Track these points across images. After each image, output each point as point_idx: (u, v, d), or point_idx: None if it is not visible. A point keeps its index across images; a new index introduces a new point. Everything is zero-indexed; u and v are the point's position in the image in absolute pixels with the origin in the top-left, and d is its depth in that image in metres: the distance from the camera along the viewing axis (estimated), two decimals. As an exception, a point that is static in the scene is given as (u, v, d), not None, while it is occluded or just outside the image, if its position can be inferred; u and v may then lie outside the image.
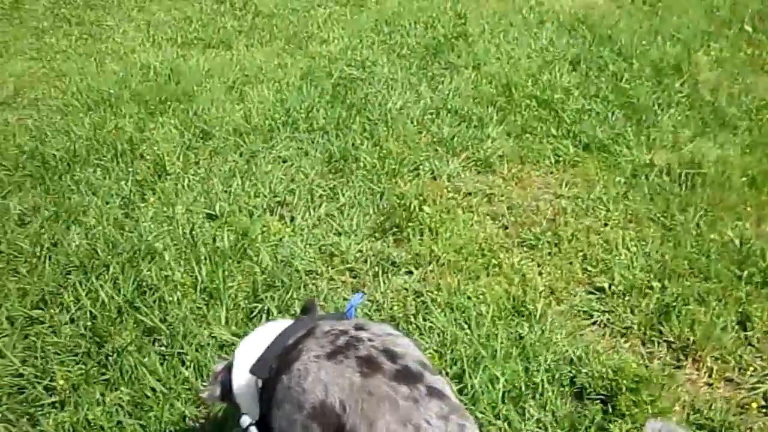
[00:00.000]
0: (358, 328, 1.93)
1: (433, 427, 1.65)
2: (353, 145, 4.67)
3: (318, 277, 3.59)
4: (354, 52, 6.28)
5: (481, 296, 3.36)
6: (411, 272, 3.58)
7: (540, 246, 3.73)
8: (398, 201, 4.06)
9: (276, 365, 1.94)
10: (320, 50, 6.49)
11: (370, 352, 1.80)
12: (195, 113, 5.25)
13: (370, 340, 1.85)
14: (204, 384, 2.64)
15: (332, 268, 3.64)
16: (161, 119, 5.20)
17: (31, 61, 6.88)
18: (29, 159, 4.77)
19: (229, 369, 2.15)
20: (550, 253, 3.68)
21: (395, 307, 3.35)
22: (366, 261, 3.68)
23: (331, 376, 1.77)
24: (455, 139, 4.70)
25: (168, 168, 4.52)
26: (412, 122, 4.97)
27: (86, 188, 4.37)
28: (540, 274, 3.53)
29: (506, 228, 3.91)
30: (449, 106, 5.15)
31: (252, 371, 2.02)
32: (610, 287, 3.41)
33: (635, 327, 3.22)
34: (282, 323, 2.16)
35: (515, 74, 5.53)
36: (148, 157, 4.70)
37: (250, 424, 2.05)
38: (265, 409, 1.98)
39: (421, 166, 4.45)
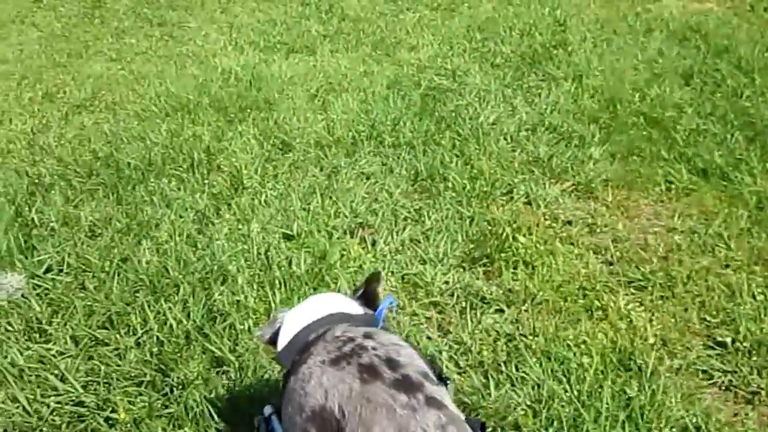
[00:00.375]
0: (367, 336, 1.92)
1: None
2: (441, 162, 4.34)
3: (400, 311, 3.27)
4: (444, 61, 5.96)
5: (582, 345, 2.97)
6: (502, 311, 3.23)
7: (650, 288, 3.31)
8: (489, 228, 3.72)
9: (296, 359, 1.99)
10: (408, 57, 6.19)
11: (372, 360, 1.80)
12: (275, 122, 5.04)
13: (374, 348, 1.85)
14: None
15: (416, 302, 3.32)
16: (240, 128, 5.00)
17: (110, 63, 6.84)
18: (103, 166, 4.65)
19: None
20: (662, 297, 3.26)
21: (484, 352, 3.00)
22: (452, 294, 3.35)
23: (332, 381, 1.78)
24: (553, 159, 4.31)
25: (245, 182, 4.30)
26: (505, 139, 4.60)
27: (160, 200, 4.20)
28: (650, 321, 3.11)
29: (611, 264, 3.51)
30: (547, 123, 4.76)
31: (278, 356, 2.11)
32: (733, 342, 2.96)
33: (763, 393, 2.77)
34: (330, 302, 2.20)
35: (620, 88, 5.09)
36: (225, 169, 4.50)
37: (272, 413, 2.08)
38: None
39: (515, 189, 4.08)
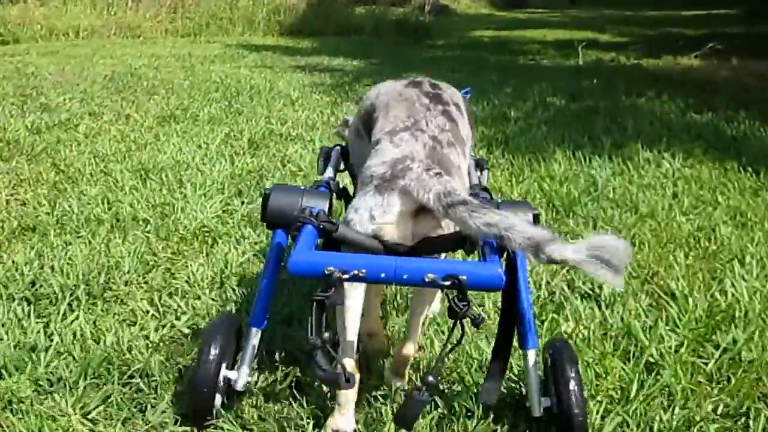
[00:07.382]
0: (432, 82, 2.17)
1: (428, 130, 1.90)
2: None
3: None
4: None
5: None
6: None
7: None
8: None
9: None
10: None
11: (422, 80, 2.13)
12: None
13: (429, 80, 2.16)
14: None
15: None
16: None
17: None
18: None
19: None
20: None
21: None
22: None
23: (386, 88, 2.18)
24: None
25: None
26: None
27: None
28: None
29: None
30: None
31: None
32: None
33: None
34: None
35: None
36: None
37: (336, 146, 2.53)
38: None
39: None
